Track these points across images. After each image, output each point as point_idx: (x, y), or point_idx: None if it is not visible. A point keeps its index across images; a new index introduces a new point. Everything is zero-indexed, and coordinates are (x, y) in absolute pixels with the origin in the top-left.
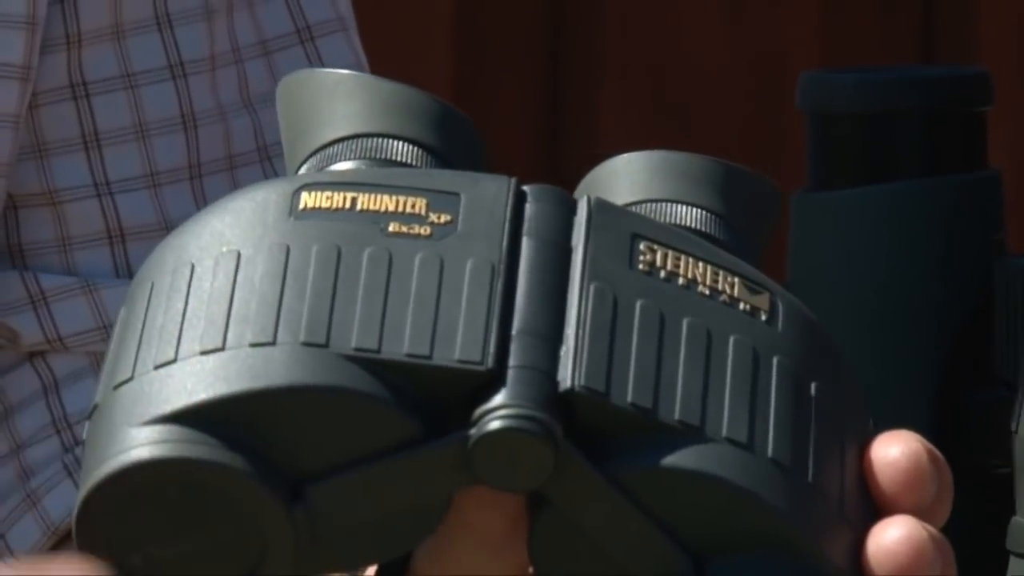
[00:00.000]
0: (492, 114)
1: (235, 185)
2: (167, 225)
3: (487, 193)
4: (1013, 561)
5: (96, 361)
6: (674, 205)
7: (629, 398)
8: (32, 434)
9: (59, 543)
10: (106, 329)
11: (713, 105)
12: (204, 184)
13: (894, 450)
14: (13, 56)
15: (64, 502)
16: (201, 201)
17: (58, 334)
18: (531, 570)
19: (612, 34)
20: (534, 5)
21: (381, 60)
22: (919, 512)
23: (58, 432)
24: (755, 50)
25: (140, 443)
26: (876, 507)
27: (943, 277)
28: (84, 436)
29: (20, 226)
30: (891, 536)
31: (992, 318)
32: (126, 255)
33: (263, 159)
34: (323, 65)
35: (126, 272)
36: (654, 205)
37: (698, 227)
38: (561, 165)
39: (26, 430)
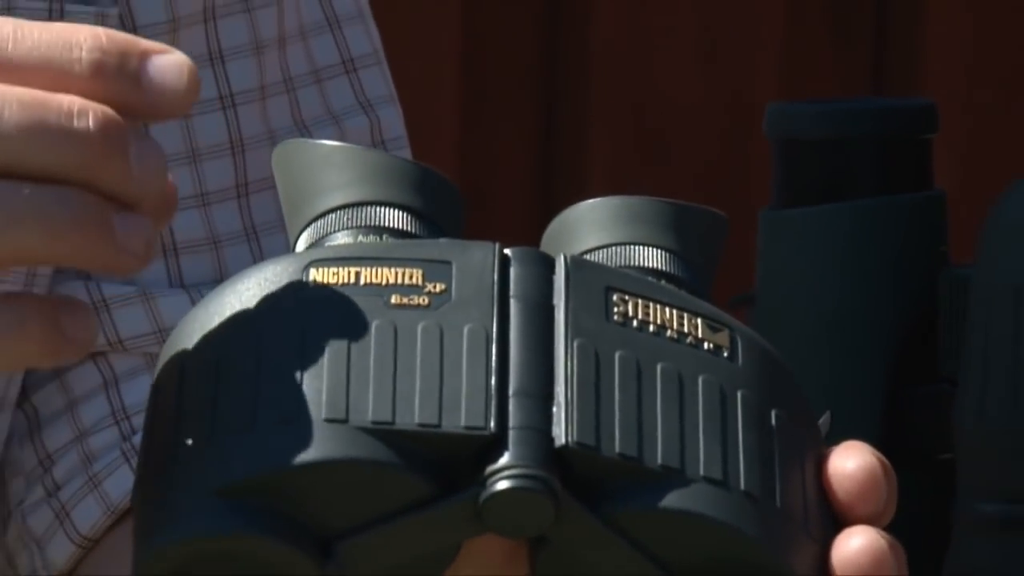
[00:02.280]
0: (493, 148)
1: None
2: (215, 239)
3: (475, 260)
4: (955, 534)
5: (151, 361)
6: (635, 247)
7: (617, 449)
8: (94, 424)
9: (117, 521)
10: (160, 333)
11: (689, 137)
12: (251, 201)
13: (850, 464)
14: None
15: (122, 485)
16: (247, 216)
17: (118, 337)
18: None
19: (598, 77)
20: (530, 52)
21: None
22: (874, 518)
23: (117, 423)
24: (726, 87)
25: (185, 521)
26: (836, 516)
27: (894, 285)
28: (131, 502)
29: None
30: (853, 546)
31: (936, 321)
32: (179, 266)
33: None
34: (365, 94)
35: (178, 282)
36: (618, 248)
37: (658, 266)
38: (554, 194)
39: (89, 420)
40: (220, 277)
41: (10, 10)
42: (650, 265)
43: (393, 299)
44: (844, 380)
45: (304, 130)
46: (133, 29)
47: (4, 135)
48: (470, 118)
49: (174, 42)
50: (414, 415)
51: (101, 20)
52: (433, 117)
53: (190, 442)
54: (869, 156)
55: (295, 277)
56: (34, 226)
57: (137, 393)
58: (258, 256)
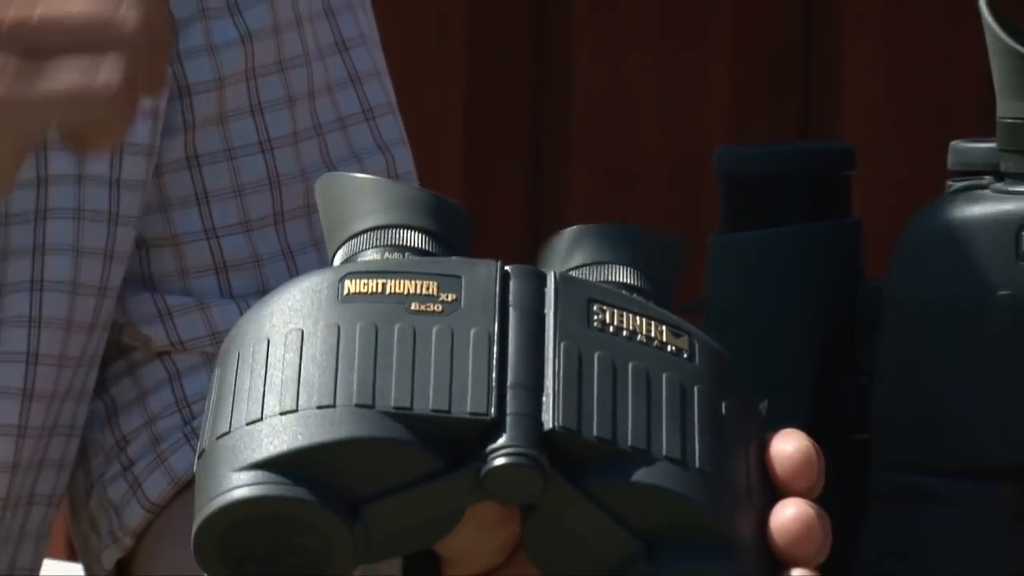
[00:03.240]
0: (491, 182)
1: (311, 226)
2: (257, 258)
3: (481, 275)
4: (872, 504)
5: (207, 359)
6: (612, 266)
7: (595, 432)
8: (160, 410)
9: (180, 491)
10: (214, 336)
11: (652, 174)
12: (287, 227)
13: (789, 447)
14: (141, 139)
15: (184, 460)
16: (283, 239)
17: (179, 339)
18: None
19: (578, 125)
20: (522, 104)
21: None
22: (806, 491)
23: (180, 410)
24: (682, 133)
25: (238, 485)
26: (775, 491)
27: (819, 295)
28: (195, 470)
29: (150, 261)
30: (788, 515)
31: (855, 324)
32: (228, 281)
33: None
34: (382, 137)
35: (228, 293)
36: (598, 266)
37: (630, 281)
38: (541, 220)
39: (156, 408)
40: (262, 289)
41: None
42: (624, 280)
43: (413, 306)
44: (779, 373)
45: (331, 167)
46: (186, 87)
47: None
48: (471, 158)
49: (221, 98)
50: (428, 402)
51: None
52: (441, 157)
53: (243, 418)
54: (799, 190)
55: (333, 286)
56: None
57: (196, 385)
58: (294, 272)
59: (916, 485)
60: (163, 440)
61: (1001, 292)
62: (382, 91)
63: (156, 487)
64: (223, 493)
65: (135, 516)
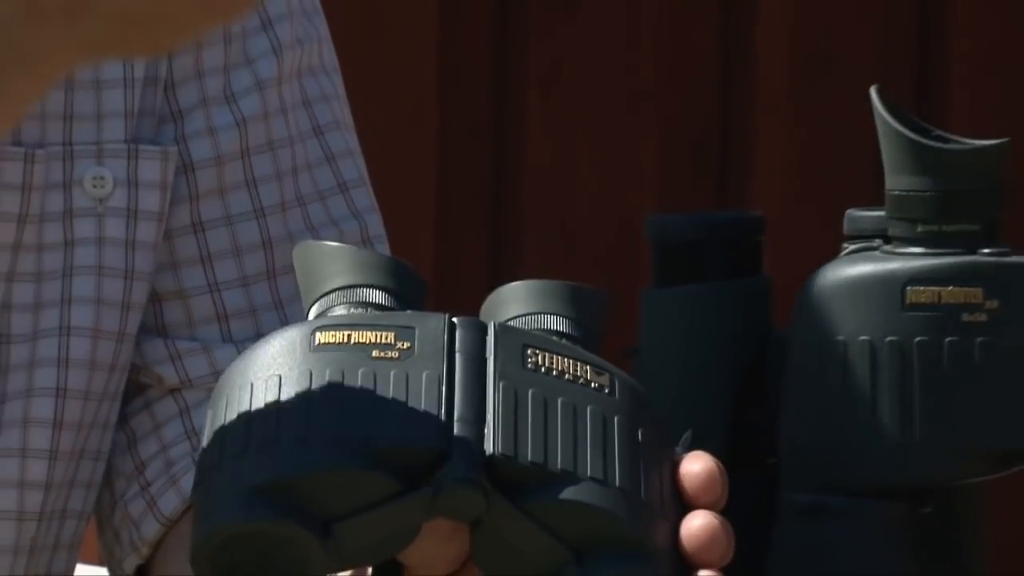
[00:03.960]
0: (457, 245)
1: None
2: (253, 309)
3: (431, 326)
4: (779, 518)
5: (211, 393)
6: (544, 315)
7: (529, 458)
8: (173, 439)
9: (189, 507)
10: (217, 375)
11: (593, 239)
12: (277, 282)
13: (696, 467)
14: (152, 207)
15: (191, 483)
16: (275, 292)
17: (188, 378)
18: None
19: (530, 197)
20: (484, 179)
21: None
22: (712, 505)
23: (189, 438)
24: (618, 204)
25: (225, 511)
26: (684, 505)
27: (735, 341)
28: (190, 498)
29: (163, 312)
30: (696, 525)
31: (765, 366)
32: (229, 328)
33: None
34: (355, 206)
35: (229, 339)
36: (532, 316)
37: (559, 329)
38: (500, 276)
39: (169, 437)
40: (258, 335)
41: (98, 144)
42: (554, 328)
43: (374, 353)
44: (701, 408)
45: (314, 232)
46: (190, 164)
47: None
48: (441, 223)
49: (220, 173)
50: (388, 435)
51: (166, 156)
52: (416, 222)
53: (231, 451)
54: (717, 252)
55: (306, 338)
56: None
57: (203, 418)
58: (284, 320)
59: (817, 502)
60: (175, 464)
61: (889, 338)
62: (355, 168)
63: (169, 504)
64: (212, 520)
65: (152, 529)
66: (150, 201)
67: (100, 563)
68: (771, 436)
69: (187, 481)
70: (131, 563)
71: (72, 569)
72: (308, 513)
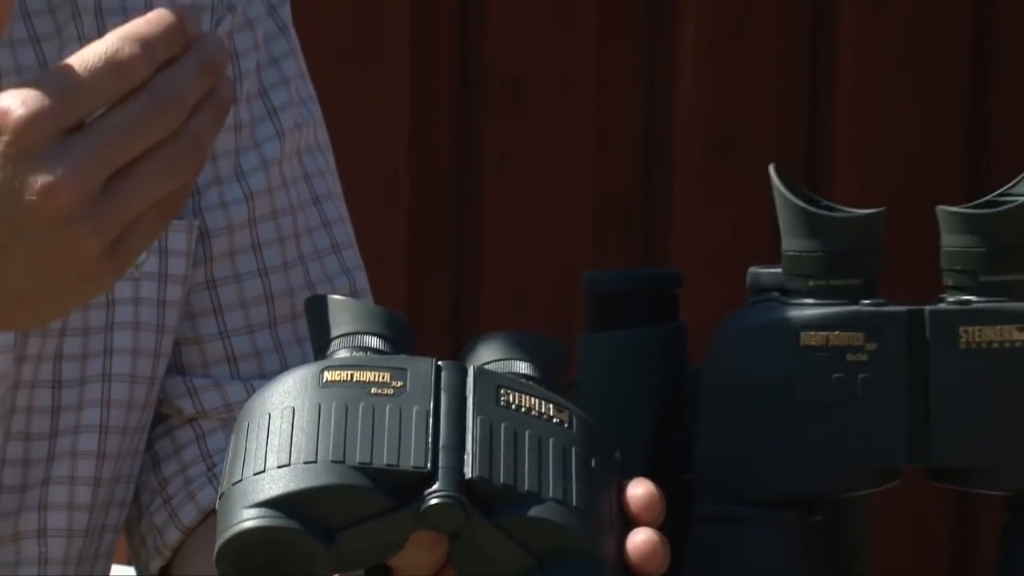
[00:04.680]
0: (427, 300)
1: (295, 328)
2: (257, 352)
3: (421, 368)
4: (694, 527)
5: (223, 423)
6: (514, 361)
7: (501, 480)
8: (191, 461)
9: (204, 518)
10: (227, 406)
11: (540, 295)
12: (278, 330)
13: (639, 490)
14: (179, 271)
15: (207, 496)
16: (275, 338)
17: (203, 409)
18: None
19: (489, 261)
20: (448, 247)
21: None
22: (652, 522)
23: (204, 460)
24: (560, 264)
25: (247, 519)
26: (629, 522)
27: (656, 377)
28: (216, 507)
29: (181, 355)
30: (639, 539)
31: (682, 398)
32: (237, 368)
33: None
34: (346, 265)
35: (237, 377)
36: (504, 362)
37: (526, 372)
38: (462, 328)
39: (188, 459)
40: (261, 374)
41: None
42: (522, 372)
43: (372, 390)
44: (628, 433)
45: (312, 287)
46: (206, 232)
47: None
48: (413, 280)
49: (231, 239)
50: (383, 459)
51: (190, 229)
52: (391, 278)
53: (251, 470)
54: (641, 303)
55: (316, 376)
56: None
57: (215, 442)
58: (283, 361)
59: (726, 512)
60: (192, 482)
61: (784, 375)
62: (345, 232)
63: (188, 515)
64: (236, 524)
65: (173, 536)
66: (177, 266)
67: (129, 563)
68: (687, 457)
69: (203, 496)
70: (156, 564)
71: (108, 571)
72: (315, 523)
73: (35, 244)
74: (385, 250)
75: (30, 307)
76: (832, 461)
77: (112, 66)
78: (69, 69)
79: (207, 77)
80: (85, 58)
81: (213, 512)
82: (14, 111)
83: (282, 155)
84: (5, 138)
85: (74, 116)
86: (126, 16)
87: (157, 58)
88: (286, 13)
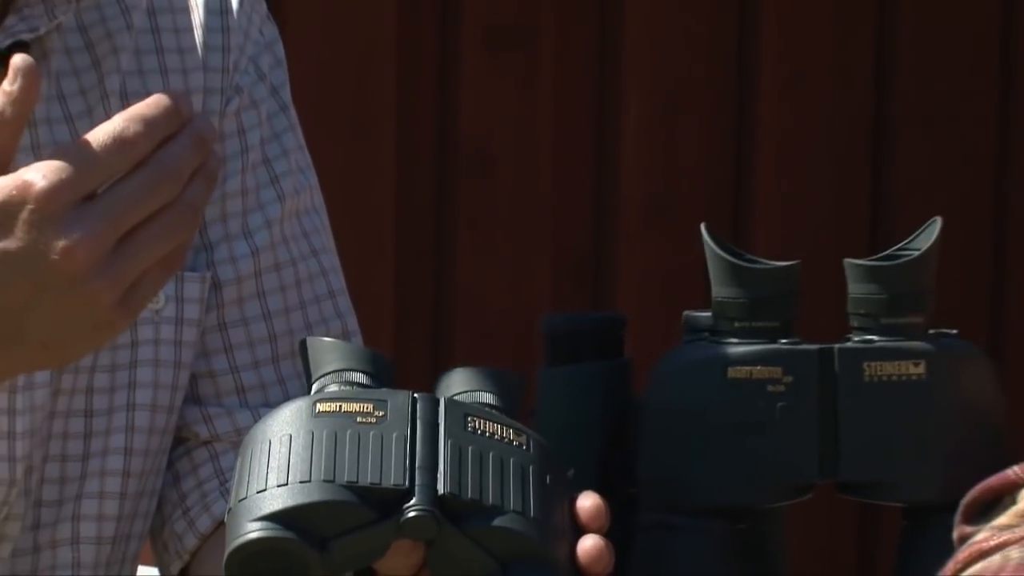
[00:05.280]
0: (410, 339)
1: (294, 364)
2: (263, 384)
3: (400, 400)
4: (637, 534)
5: (233, 445)
6: (479, 392)
7: (469, 495)
8: (206, 478)
9: (217, 527)
10: (236, 431)
11: (504, 336)
12: (280, 365)
13: (588, 502)
14: (194, 315)
15: (220, 508)
16: (278, 372)
17: (216, 433)
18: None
19: (461, 304)
20: (428, 290)
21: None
22: (598, 530)
23: (217, 476)
24: (523, 311)
25: (251, 530)
26: (579, 529)
27: (605, 405)
28: (225, 520)
29: (197, 386)
30: (588, 544)
31: (626, 423)
32: (246, 399)
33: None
34: (339, 309)
35: (245, 405)
36: (471, 393)
37: (490, 402)
38: (439, 364)
39: (203, 475)
40: (267, 404)
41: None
42: (487, 402)
43: (358, 419)
44: (580, 453)
45: (309, 329)
46: (218, 284)
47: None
48: (399, 323)
49: (239, 289)
50: (368, 477)
51: (204, 279)
52: (379, 321)
53: (254, 488)
54: (592, 341)
55: (310, 407)
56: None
57: (227, 461)
58: (286, 394)
59: (665, 521)
60: (208, 496)
61: (713, 404)
62: (338, 281)
63: (203, 524)
64: (242, 535)
65: (191, 542)
66: (192, 312)
67: (153, 564)
68: (632, 473)
69: (216, 507)
70: (176, 566)
71: (135, 573)
72: (310, 533)
73: (58, 297)
74: (374, 296)
75: (54, 350)
76: (755, 477)
77: (120, 143)
78: (84, 145)
79: (200, 152)
80: (97, 136)
81: (224, 523)
82: (37, 183)
83: (283, 216)
84: (30, 207)
85: (89, 187)
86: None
87: (158, 136)
88: (286, 94)
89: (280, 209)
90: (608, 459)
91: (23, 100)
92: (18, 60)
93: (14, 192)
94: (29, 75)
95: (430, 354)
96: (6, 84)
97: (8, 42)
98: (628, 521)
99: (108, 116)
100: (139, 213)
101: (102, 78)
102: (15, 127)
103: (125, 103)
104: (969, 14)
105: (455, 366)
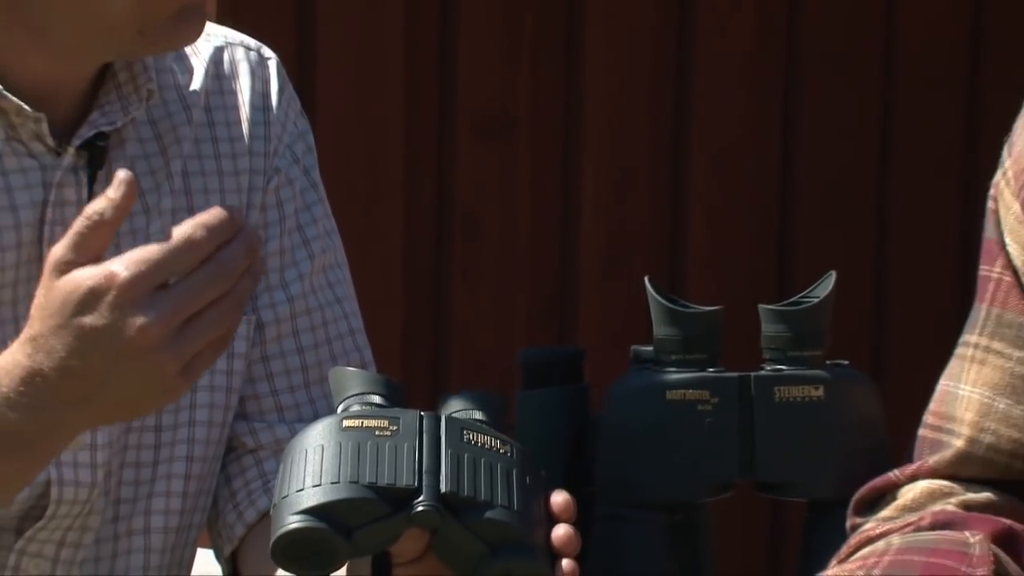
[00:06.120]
0: (412, 363)
1: (323, 387)
2: (298, 405)
3: (409, 418)
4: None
5: (274, 453)
6: (471, 410)
7: (465, 493)
8: (252, 479)
9: (261, 518)
10: (277, 442)
11: (493, 361)
12: (311, 389)
13: (559, 498)
14: (242, 351)
15: (264, 504)
16: (310, 394)
17: (260, 444)
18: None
19: (457, 347)
20: (427, 327)
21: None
22: (568, 521)
23: (261, 477)
24: (503, 340)
25: (291, 522)
26: (552, 520)
27: (569, 420)
28: (270, 514)
29: (244, 406)
30: (560, 532)
31: (586, 434)
32: (284, 416)
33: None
34: (357, 344)
35: (283, 421)
36: (467, 410)
37: (481, 418)
38: (439, 385)
39: (250, 477)
40: (300, 419)
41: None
42: (478, 418)
43: (376, 432)
44: (549, 459)
45: (334, 360)
46: (260, 324)
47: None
48: (405, 355)
49: (278, 330)
50: (385, 479)
51: (250, 321)
52: (388, 355)
53: (294, 488)
54: (559, 370)
55: (338, 423)
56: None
57: (269, 466)
58: (316, 412)
59: (617, 513)
60: (253, 493)
61: (654, 420)
62: (357, 322)
63: (250, 516)
64: (284, 526)
65: (239, 530)
66: (241, 347)
67: (209, 547)
68: (590, 475)
69: (261, 502)
70: (227, 549)
71: (194, 554)
72: (338, 524)
73: (132, 366)
74: (385, 333)
75: (127, 408)
76: (687, 478)
77: (189, 245)
78: (161, 245)
79: (249, 256)
80: (172, 238)
81: (267, 514)
82: (120, 274)
83: (313, 270)
84: (113, 292)
85: (162, 279)
86: (206, 194)
87: (218, 240)
88: (316, 174)
89: (311, 265)
90: (571, 463)
91: (122, 207)
92: (122, 174)
93: (102, 280)
94: (129, 186)
95: (430, 378)
96: (110, 191)
97: (92, 133)
98: (587, 513)
99: (172, 192)
100: (200, 302)
101: (167, 161)
102: (112, 228)
103: (186, 181)
104: (855, 105)
105: (452, 389)
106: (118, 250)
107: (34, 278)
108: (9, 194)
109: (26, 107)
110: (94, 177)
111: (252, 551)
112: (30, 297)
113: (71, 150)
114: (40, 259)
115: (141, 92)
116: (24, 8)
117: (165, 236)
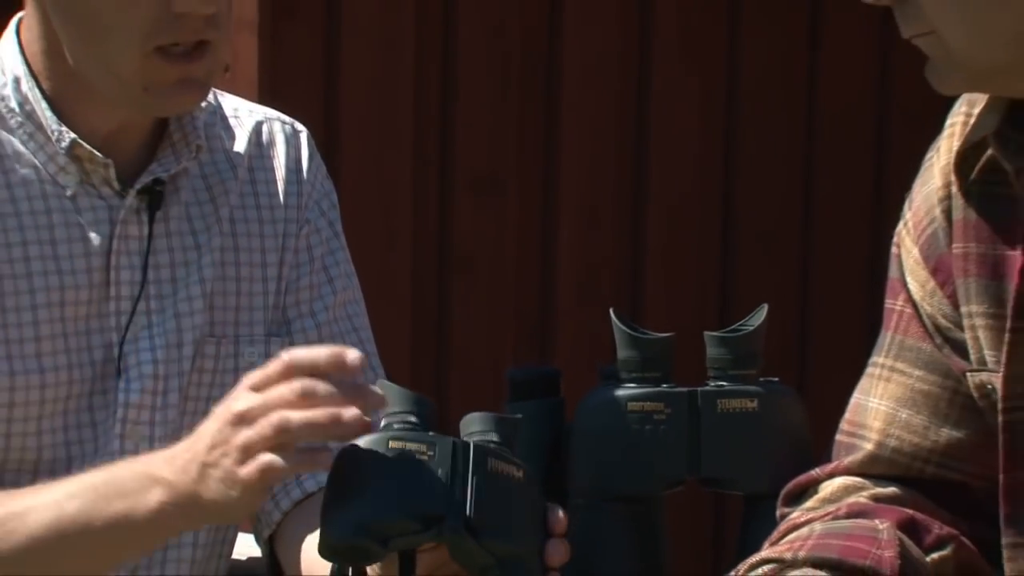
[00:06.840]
0: (420, 383)
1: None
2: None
3: (445, 444)
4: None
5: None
6: (488, 432)
7: (485, 519)
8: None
9: (295, 506)
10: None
11: (484, 380)
12: None
13: (556, 515)
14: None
15: (296, 494)
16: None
17: None
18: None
19: (456, 366)
20: (430, 347)
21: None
22: (560, 534)
23: (299, 486)
24: (495, 361)
25: (343, 535)
26: (548, 533)
27: (547, 428)
28: (320, 519)
29: None
30: (554, 545)
31: (560, 440)
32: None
33: None
34: (373, 367)
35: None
36: (485, 432)
37: (496, 439)
38: (442, 401)
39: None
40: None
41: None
42: (495, 440)
43: (416, 455)
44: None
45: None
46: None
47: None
48: (413, 373)
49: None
50: (422, 506)
51: (283, 344)
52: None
53: (347, 498)
54: (539, 386)
55: (383, 442)
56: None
57: (310, 482)
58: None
59: (589, 504)
60: (287, 484)
61: (617, 428)
62: (372, 347)
63: (285, 504)
64: (332, 536)
65: (276, 516)
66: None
67: (249, 532)
68: (565, 473)
69: (294, 492)
70: (266, 533)
71: (236, 536)
72: (379, 535)
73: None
74: (395, 355)
75: (227, 514)
76: (646, 475)
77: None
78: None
79: (367, 402)
80: (219, 268)
81: (300, 502)
82: (239, 406)
83: (335, 304)
84: (245, 426)
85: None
86: (249, 237)
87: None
88: (339, 225)
89: (334, 299)
90: (550, 464)
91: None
92: (353, 354)
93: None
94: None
95: (434, 393)
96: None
97: (151, 179)
98: (563, 504)
99: (221, 233)
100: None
101: (216, 208)
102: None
103: (232, 226)
104: (784, 169)
105: (450, 401)
106: (173, 277)
107: (102, 300)
108: (82, 229)
109: (98, 154)
110: (152, 217)
111: (287, 534)
112: (97, 317)
113: (133, 192)
114: (106, 284)
115: (191, 146)
116: (66, 58)
117: (215, 269)
